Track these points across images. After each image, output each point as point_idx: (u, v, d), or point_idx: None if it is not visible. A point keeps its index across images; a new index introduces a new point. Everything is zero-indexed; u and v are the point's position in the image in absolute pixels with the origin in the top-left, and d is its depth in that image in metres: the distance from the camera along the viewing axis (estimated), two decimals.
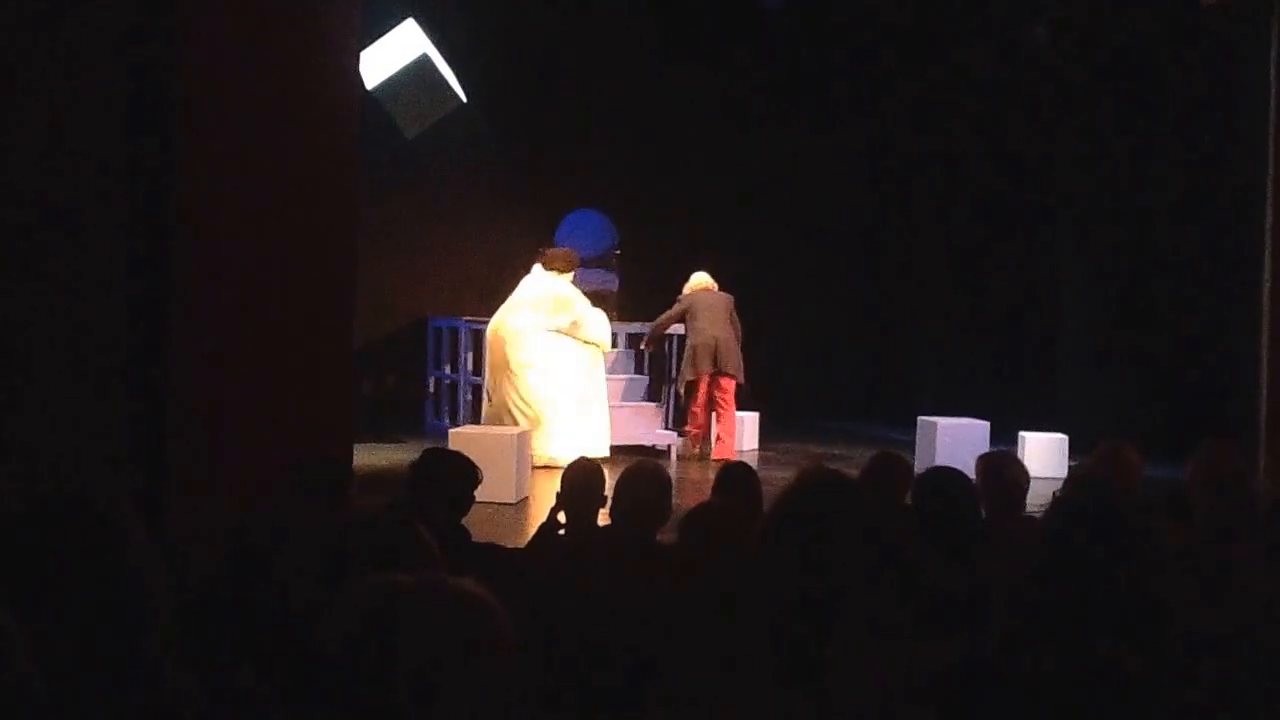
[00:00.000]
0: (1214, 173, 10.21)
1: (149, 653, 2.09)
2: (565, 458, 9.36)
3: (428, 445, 5.46)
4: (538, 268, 10.02)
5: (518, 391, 9.60)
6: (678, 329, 10.77)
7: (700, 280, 10.66)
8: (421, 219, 12.12)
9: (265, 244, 5.28)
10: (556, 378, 9.64)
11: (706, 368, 10.27)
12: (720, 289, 10.69)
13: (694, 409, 10.53)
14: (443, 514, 3.95)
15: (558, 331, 9.72)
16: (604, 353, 10.12)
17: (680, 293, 10.68)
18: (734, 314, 10.49)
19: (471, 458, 4.33)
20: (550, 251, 10.17)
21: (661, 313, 10.76)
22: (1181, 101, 10.52)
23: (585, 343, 9.89)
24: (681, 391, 10.62)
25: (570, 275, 10.08)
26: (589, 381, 9.87)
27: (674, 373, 11.19)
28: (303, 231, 5.45)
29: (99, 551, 2.09)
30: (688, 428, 10.63)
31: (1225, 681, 2.51)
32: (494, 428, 9.13)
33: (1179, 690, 2.30)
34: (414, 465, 4.23)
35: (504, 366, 9.69)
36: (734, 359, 10.32)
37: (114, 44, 4.79)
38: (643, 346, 11.03)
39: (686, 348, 10.43)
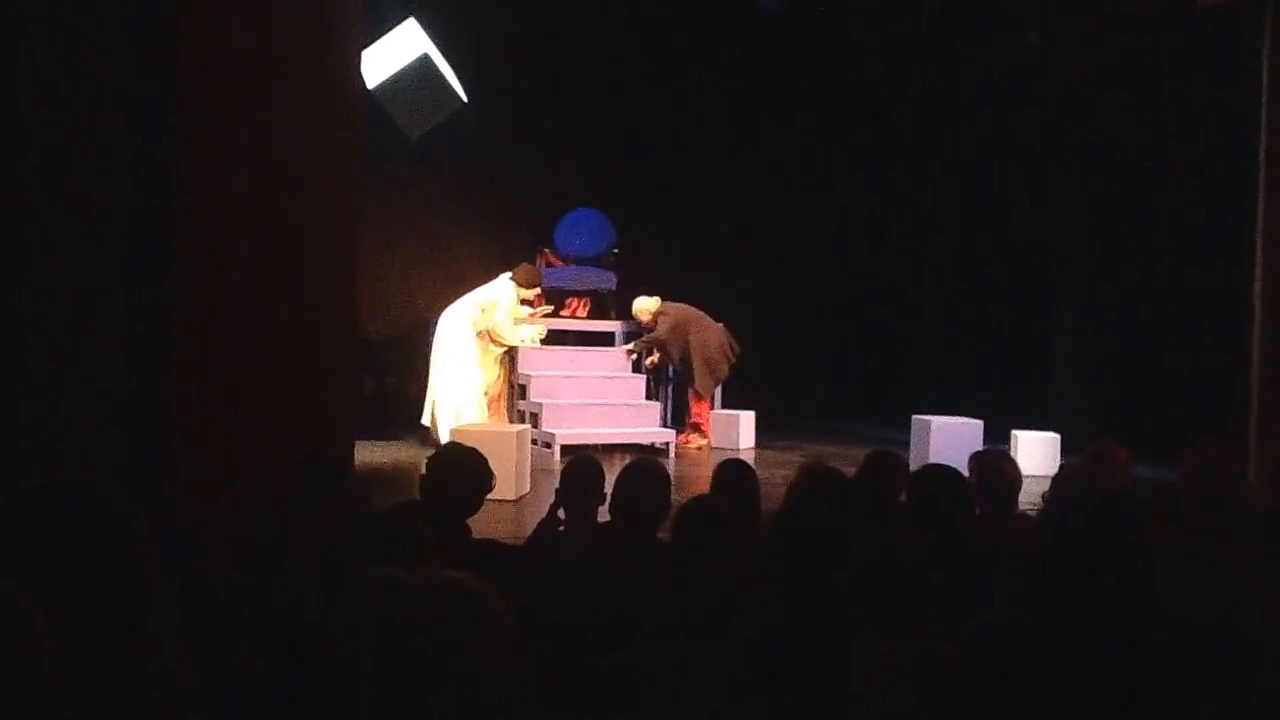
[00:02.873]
0: (1209, 173, 10.23)
1: (154, 652, 2.11)
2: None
3: (425, 444, 5.47)
4: (504, 275, 10.48)
5: (440, 381, 10.05)
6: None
7: (654, 301, 11.08)
8: (422, 219, 12.13)
9: (268, 244, 5.31)
10: (466, 370, 10.04)
11: (731, 357, 10.93)
12: (702, 292, 11.22)
13: (711, 410, 10.93)
14: (451, 510, 3.97)
15: (478, 334, 10.17)
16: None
17: (637, 316, 11.14)
18: None
19: None
20: (522, 265, 10.67)
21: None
22: (1176, 102, 10.55)
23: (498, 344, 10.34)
24: (702, 394, 10.88)
25: (530, 292, 10.57)
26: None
27: (669, 372, 11.28)
28: (305, 232, 5.48)
29: (103, 552, 2.11)
30: (700, 425, 10.82)
31: (1220, 681, 2.54)
32: (497, 425, 9.24)
33: (1175, 688, 2.33)
34: (432, 459, 4.23)
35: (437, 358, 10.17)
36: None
37: (117, 44, 4.82)
38: (631, 348, 11.29)
39: (709, 351, 10.74)
